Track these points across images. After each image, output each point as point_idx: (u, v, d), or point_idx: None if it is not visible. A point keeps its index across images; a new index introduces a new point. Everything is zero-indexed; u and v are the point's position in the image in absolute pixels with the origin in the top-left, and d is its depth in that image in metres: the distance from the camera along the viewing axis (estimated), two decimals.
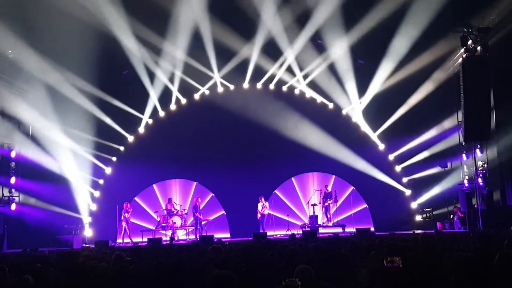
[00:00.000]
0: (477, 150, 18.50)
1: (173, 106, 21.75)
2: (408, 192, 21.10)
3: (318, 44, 20.52)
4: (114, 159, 21.41)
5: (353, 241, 9.48)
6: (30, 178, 19.42)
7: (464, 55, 17.78)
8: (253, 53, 20.38)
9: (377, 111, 20.86)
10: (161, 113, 21.70)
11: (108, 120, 20.60)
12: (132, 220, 20.16)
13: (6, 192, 18.86)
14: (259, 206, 20.26)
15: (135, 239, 19.43)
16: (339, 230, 19.47)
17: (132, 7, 17.98)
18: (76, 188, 20.21)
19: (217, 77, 21.42)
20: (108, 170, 21.30)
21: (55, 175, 19.75)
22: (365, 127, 21.45)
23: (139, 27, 18.71)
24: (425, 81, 20.06)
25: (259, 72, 21.38)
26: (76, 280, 5.84)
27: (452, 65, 19.38)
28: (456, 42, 18.23)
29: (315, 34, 19.82)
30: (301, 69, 21.20)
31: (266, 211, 20.28)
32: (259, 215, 20.24)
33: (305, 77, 21.37)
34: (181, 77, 21.00)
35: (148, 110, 21.47)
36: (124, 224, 19.74)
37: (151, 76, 20.71)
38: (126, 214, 19.79)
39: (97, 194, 20.98)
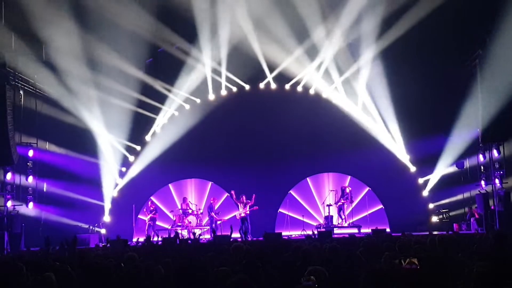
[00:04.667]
0: (494, 151, 18.32)
1: (187, 106, 21.87)
2: (425, 192, 20.95)
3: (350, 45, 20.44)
4: (131, 158, 21.59)
5: (368, 242, 9.43)
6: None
7: (480, 53, 17.67)
8: (268, 52, 20.39)
9: (393, 111, 20.70)
10: (176, 113, 21.84)
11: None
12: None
13: (24, 191, 19.07)
14: (242, 207, 19.69)
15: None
16: (355, 230, 19.38)
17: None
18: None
19: (230, 76, 21.45)
20: (124, 169, 21.51)
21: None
22: (381, 128, 21.27)
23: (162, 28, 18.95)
24: (441, 79, 20.01)
25: (274, 72, 21.34)
26: (93, 279, 5.89)
27: (470, 63, 19.22)
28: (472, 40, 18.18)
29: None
30: (318, 69, 21.14)
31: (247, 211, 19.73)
32: (243, 214, 19.66)
33: (321, 76, 21.29)
34: (197, 77, 21.12)
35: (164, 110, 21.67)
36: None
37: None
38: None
39: (114, 193, 21.20)
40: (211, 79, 21.31)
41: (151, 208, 20.28)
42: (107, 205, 20.95)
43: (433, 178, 20.57)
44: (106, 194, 21.03)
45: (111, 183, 21.12)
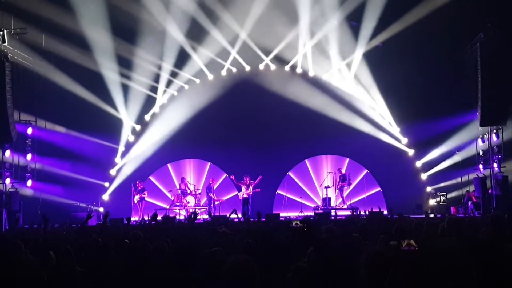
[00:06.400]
0: (493, 135, 18.33)
1: (187, 86, 21.83)
2: (424, 176, 21.02)
3: (352, 26, 20.31)
4: (131, 138, 21.58)
5: (365, 224, 9.46)
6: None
7: (482, 38, 17.59)
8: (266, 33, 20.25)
9: (393, 95, 20.64)
10: (176, 93, 21.81)
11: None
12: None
13: (22, 169, 19.10)
14: (245, 188, 19.69)
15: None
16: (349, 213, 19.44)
17: None
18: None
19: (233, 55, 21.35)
20: (124, 148, 21.56)
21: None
22: (380, 111, 21.24)
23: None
24: (442, 65, 19.97)
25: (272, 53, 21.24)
26: (94, 257, 5.92)
27: (470, 48, 19.14)
28: (473, 26, 18.10)
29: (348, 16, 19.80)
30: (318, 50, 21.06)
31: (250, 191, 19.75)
32: (245, 195, 19.65)
33: (320, 58, 21.21)
34: (197, 57, 21.04)
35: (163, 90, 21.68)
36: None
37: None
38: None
39: (114, 172, 21.25)
40: (209, 60, 21.25)
41: (139, 188, 20.25)
42: (113, 185, 21.10)
43: (439, 166, 20.65)
44: (107, 173, 21.15)
45: (112, 162, 21.21)
